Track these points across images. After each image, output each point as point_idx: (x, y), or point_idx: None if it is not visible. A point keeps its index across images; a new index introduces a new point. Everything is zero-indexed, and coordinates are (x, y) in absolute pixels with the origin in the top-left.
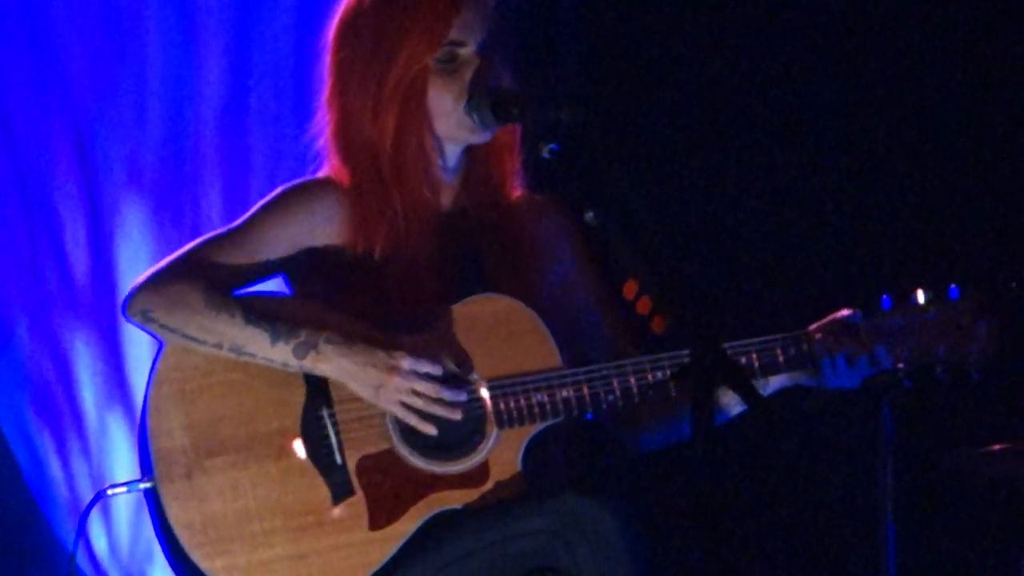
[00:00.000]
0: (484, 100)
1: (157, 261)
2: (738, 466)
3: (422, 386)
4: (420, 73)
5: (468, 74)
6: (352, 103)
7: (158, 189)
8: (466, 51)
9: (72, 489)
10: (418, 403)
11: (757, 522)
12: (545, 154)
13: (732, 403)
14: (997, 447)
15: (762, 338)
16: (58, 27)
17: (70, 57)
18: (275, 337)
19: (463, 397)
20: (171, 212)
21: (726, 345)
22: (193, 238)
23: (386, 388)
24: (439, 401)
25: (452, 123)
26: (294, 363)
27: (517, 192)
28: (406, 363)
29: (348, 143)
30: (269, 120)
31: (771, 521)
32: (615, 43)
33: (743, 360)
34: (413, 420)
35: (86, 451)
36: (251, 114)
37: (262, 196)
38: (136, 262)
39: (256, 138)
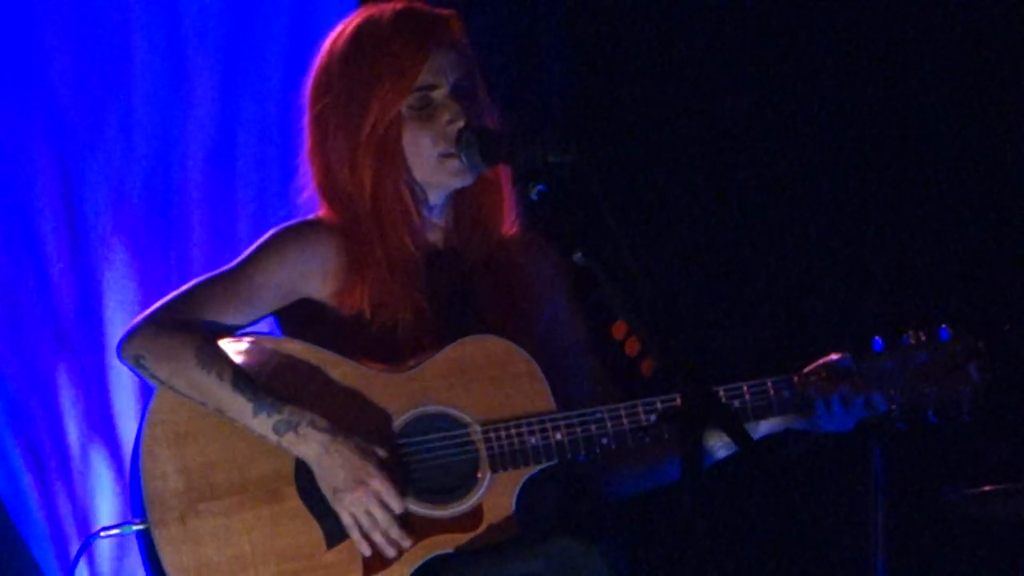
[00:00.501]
0: (472, 140)
1: (142, 296)
2: (730, 508)
3: (378, 513)
4: (394, 121)
5: (444, 117)
6: (330, 156)
7: (144, 223)
8: (439, 93)
9: (58, 529)
10: (365, 523)
11: (749, 563)
12: (533, 195)
13: (717, 446)
14: (988, 488)
15: (754, 381)
16: (45, 61)
17: (56, 89)
18: (258, 409)
19: (407, 544)
20: (157, 246)
21: (718, 388)
22: (178, 271)
23: (345, 495)
24: (385, 533)
25: (430, 168)
26: (272, 438)
27: (511, 229)
28: (375, 483)
29: (331, 195)
30: (256, 158)
31: (763, 562)
32: (603, 82)
33: (735, 403)
34: (355, 534)
35: (71, 491)
36: (239, 149)
37: (248, 231)
38: (122, 295)
39: (243, 171)
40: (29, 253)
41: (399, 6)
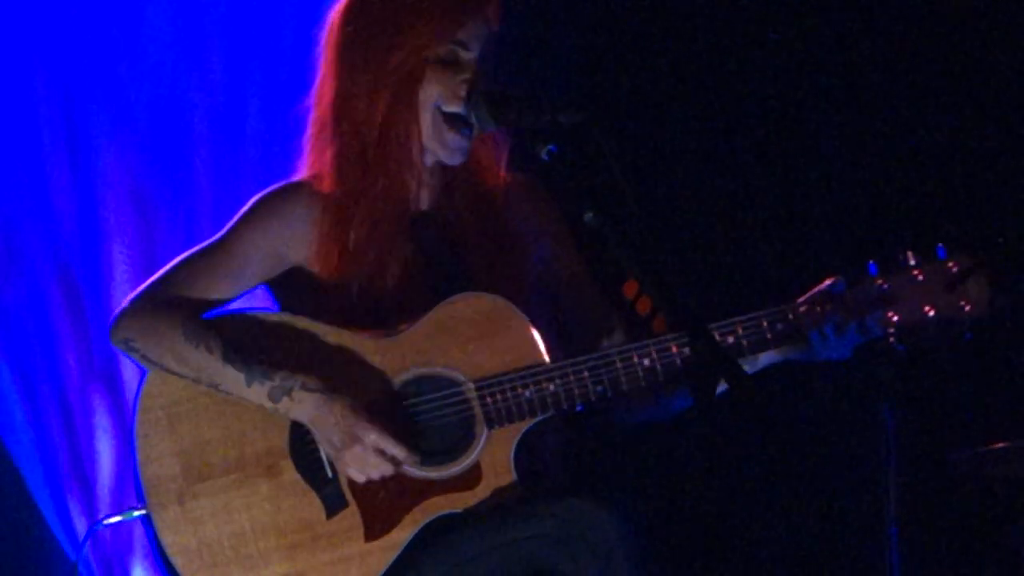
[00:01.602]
0: (482, 101)
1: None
2: (741, 468)
3: (379, 463)
4: (421, 62)
5: (461, 77)
6: (350, 80)
7: (147, 160)
8: (467, 55)
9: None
10: (374, 476)
11: (759, 524)
12: (544, 156)
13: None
14: (1000, 445)
15: (747, 315)
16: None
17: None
18: (250, 378)
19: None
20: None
21: (712, 325)
22: (184, 209)
23: (344, 453)
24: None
25: (428, 125)
26: (269, 406)
27: (498, 178)
28: (370, 436)
29: (339, 123)
30: (263, 97)
31: (773, 522)
32: (610, 44)
33: (730, 339)
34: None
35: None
36: (247, 87)
37: (254, 160)
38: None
39: (250, 110)
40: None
41: None
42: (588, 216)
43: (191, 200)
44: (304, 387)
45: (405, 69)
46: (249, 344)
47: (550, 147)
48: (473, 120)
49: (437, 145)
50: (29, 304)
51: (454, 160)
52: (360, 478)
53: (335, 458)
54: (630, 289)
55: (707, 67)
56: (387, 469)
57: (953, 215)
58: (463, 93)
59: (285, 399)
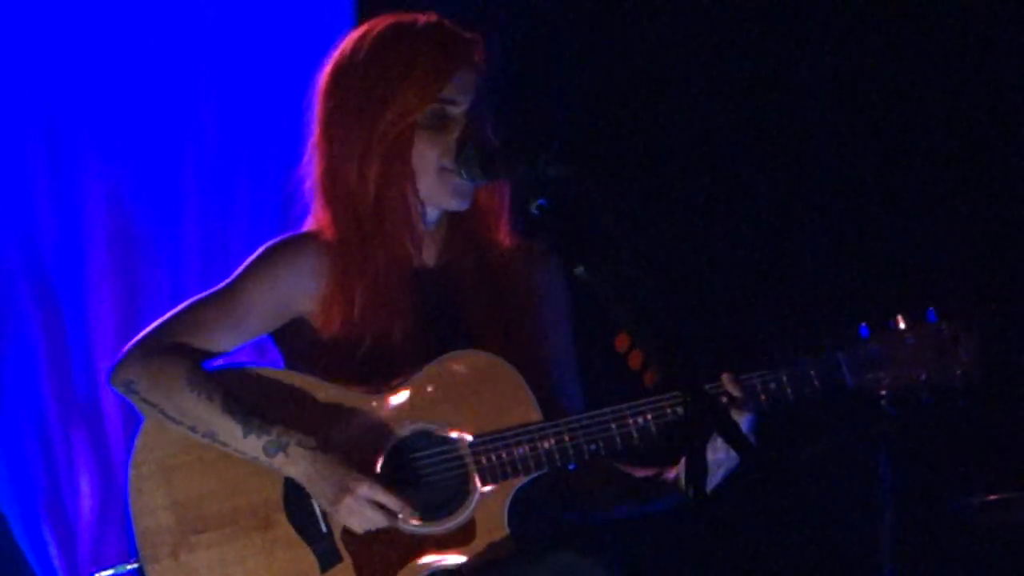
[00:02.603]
0: (473, 156)
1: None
2: (734, 517)
3: (373, 514)
4: (409, 127)
5: (454, 134)
6: (339, 150)
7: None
8: (456, 111)
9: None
10: (368, 526)
11: (757, 570)
12: (534, 210)
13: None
14: (995, 496)
15: (743, 375)
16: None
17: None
18: (247, 431)
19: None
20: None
21: (708, 384)
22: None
23: (338, 508)
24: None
25: (431, 182)
26: (264, 460)
27: (507, 240)
28: (362, 488)
29: (332, 191)
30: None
31: (772, 570)
32: (602, 96)
33: (724, 397)
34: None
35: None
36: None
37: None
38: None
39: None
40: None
41: (433, 18)
42: (579, 270)
43: (177, 232)
44: (300, 444)
45: (392, 135)
46: (248, 398)
47: (540, 201)
48: (464, 175)
49: (440, 196)
50: (7, 335)
51: (461, 206)
52: (359, 529)
53: (331, 512)
54: (622, 343)
55: (699, 118)
56: (381, 521)
57: (944, 279)
58: (455, 147)
59: (280, 455)
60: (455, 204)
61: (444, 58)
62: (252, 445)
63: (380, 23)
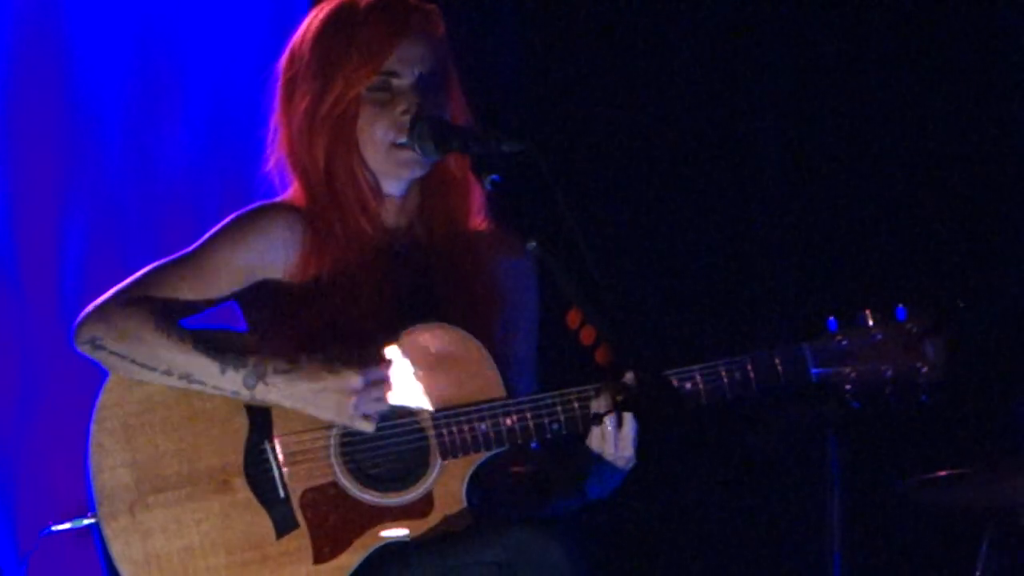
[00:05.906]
0: (425, 131)
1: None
2: (685, 498)
3: (379, 395)
4: (352, 101)
5: (400, 106)
6: (292, 126)
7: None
8: (401, 83)
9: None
10: (382, 408)
11: (704, 554)
12: (487, 185)
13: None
14: (943, 473)
15: (706, 364)
16: None
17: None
18: (224, 366)
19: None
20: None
21: (670, 372)
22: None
23: (348, 407)
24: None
25: (380, 156)
26: (245, 393)
27: (481, 224)
28: (358, 381)
29: (292, 165)
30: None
31: (720, 552)
32: (557, 71)
33: (687, 386)
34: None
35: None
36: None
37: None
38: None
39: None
40: None
41: None
42: (531, 245)
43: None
44: (276, 370)
45: (338, 110)
46: (219, 345)
47: (493, 177)
48: (417, 149)
49: (390, 168)
50: None
51: (414, 174)
52: (374, 414)
53: (339, 418)
54: (573, 319)
55: (658, 93)
56: (376, 392)
57: (914, 277)
58: (405, 123)
59: (260, 384)
60: (408, 173)
61: (386, 31)
62: (231, 379)
63: (330, 2)
